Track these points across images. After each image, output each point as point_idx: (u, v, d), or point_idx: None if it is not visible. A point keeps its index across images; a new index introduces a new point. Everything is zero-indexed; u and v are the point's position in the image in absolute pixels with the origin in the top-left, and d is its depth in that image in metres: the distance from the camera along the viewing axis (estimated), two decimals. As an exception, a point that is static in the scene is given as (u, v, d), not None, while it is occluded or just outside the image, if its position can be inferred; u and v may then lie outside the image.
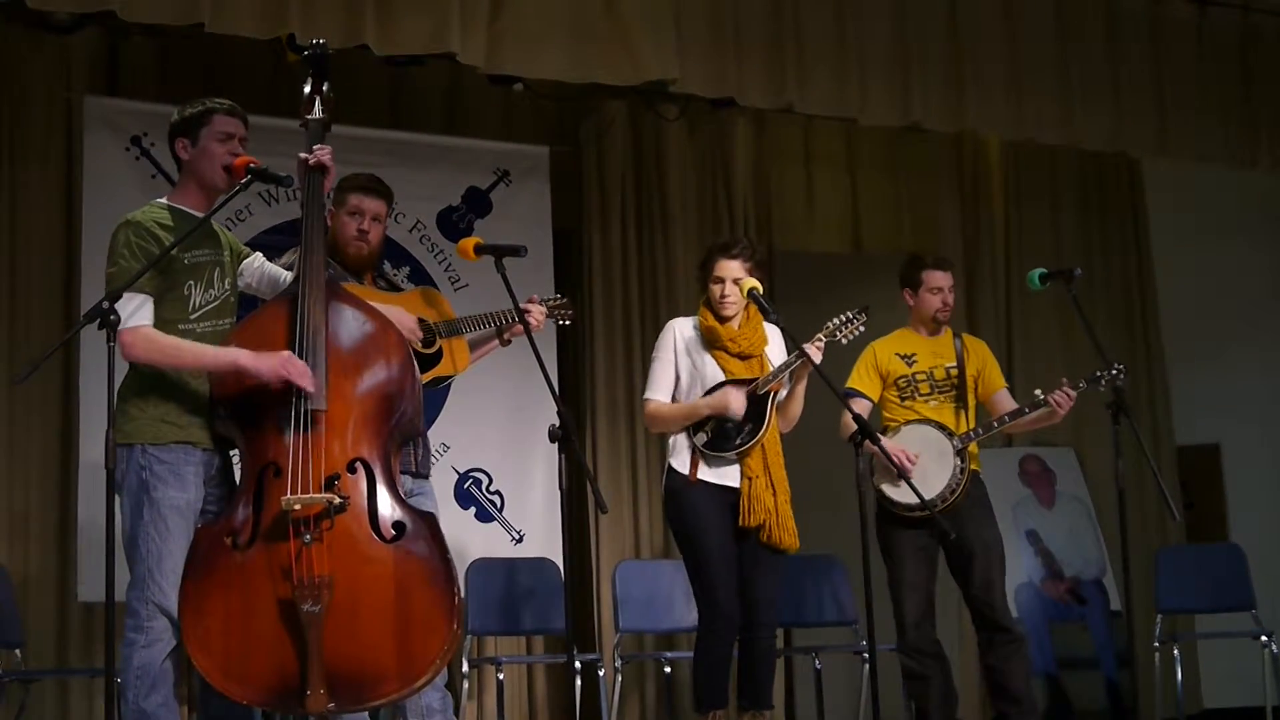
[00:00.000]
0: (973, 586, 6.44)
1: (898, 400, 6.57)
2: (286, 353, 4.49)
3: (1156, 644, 8.23)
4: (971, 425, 6.52)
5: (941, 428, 6.45)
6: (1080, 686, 8.98)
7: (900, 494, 6.33)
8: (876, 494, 6.39)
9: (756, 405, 5.82)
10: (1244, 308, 10.12)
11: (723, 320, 5.90)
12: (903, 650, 6.43)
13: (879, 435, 6.42)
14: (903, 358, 6.58)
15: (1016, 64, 8.31)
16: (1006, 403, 6.59)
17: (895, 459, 6.28)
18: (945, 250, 9.45)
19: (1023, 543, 8.87)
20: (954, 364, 6.58)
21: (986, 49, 8.23)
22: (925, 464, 6.36)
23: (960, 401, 6.54)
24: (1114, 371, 6.21)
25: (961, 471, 6.36)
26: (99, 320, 4.25)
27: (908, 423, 6.50)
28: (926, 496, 6.28)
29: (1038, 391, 6.41)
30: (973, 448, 6.48)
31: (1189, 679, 8.77)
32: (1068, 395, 6.27)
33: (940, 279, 6.59)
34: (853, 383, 6.60)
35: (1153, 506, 9.27)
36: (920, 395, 6.53)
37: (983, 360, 6.69)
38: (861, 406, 6.56)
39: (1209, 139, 8.86)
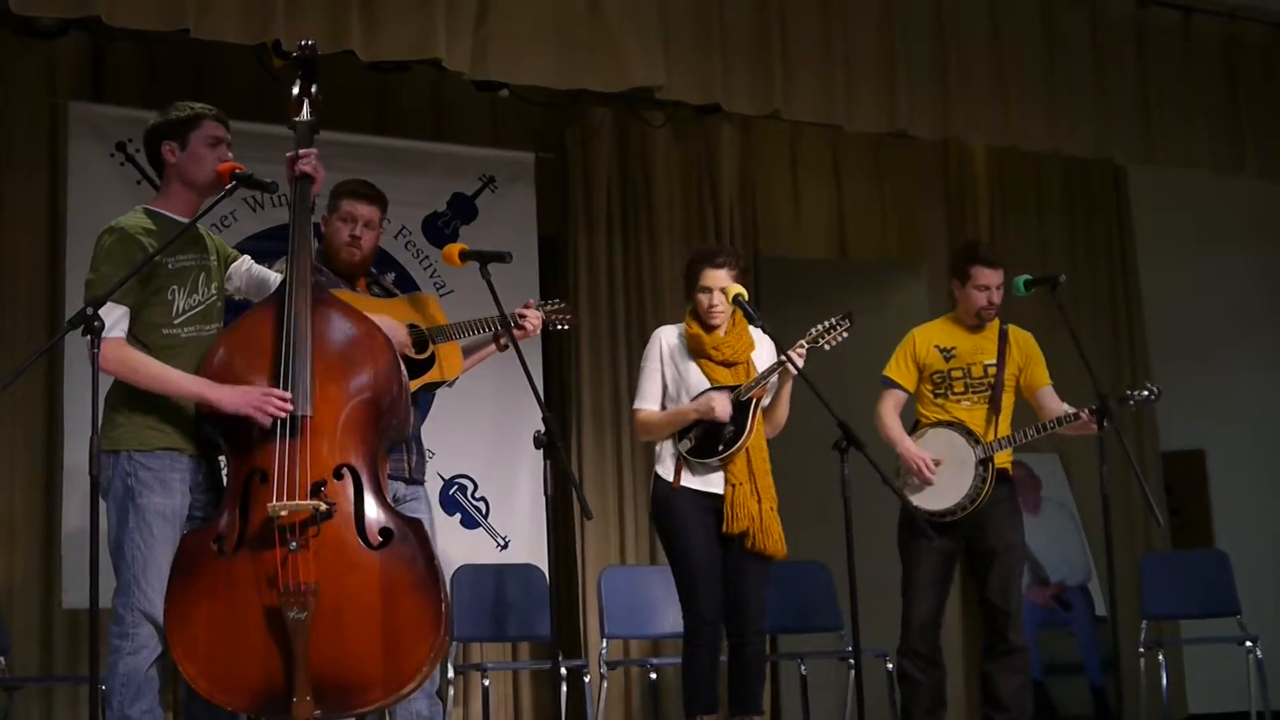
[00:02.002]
0: (989, 590, 6.42)
1: (931, 396, 6.52)
2: (256, 390, 4.47)
3: (1141, 650, 8.23)
4: (1003, 431, 6.43)
5: (968, 433, 6.38)
6: (1065, 692, 9.00)
7: (922, 499, 6.32)
8: (900, 497, 6.35)
9: (739, 412, 5.82)
10: (1229, 313, 10.15)
11: (710, 329, 5.90)
12: (902, 652, 6.44)
13: (905, 435, 6.46)
14: (941, 351, 6.52)
15: (1002, 70, 8.32)
16: (1049, 400, 6.50)
17: (915, 467, 6.28)
18: (930, 257, 9.52)
19: (1008, 549, 8.87)
20: (993, 361, 6.49)
21: (972, 56, 8.24)
22: (946, 471, 6.35)
23: (994, 404, 6.45)
24: (1145, 392, 6.20)
25: (983, 480, 6.32)
26: (83, 327, 4.24)
27: (935, 424, 6.47)
28: (946, 504, 6.32)
29: (1068, 407, 6.36)
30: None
31: (1174, 684, 8.77)
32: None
33: (989, 276, 6.44)
34: (889, 372, 6.57)
35: (1138, 512, 9.29)
36: (953, 394, 6.48)
37: (1026, 357, 6.58)
38: (896, 399, 6.54)
39: (1194, 145, 8.87)
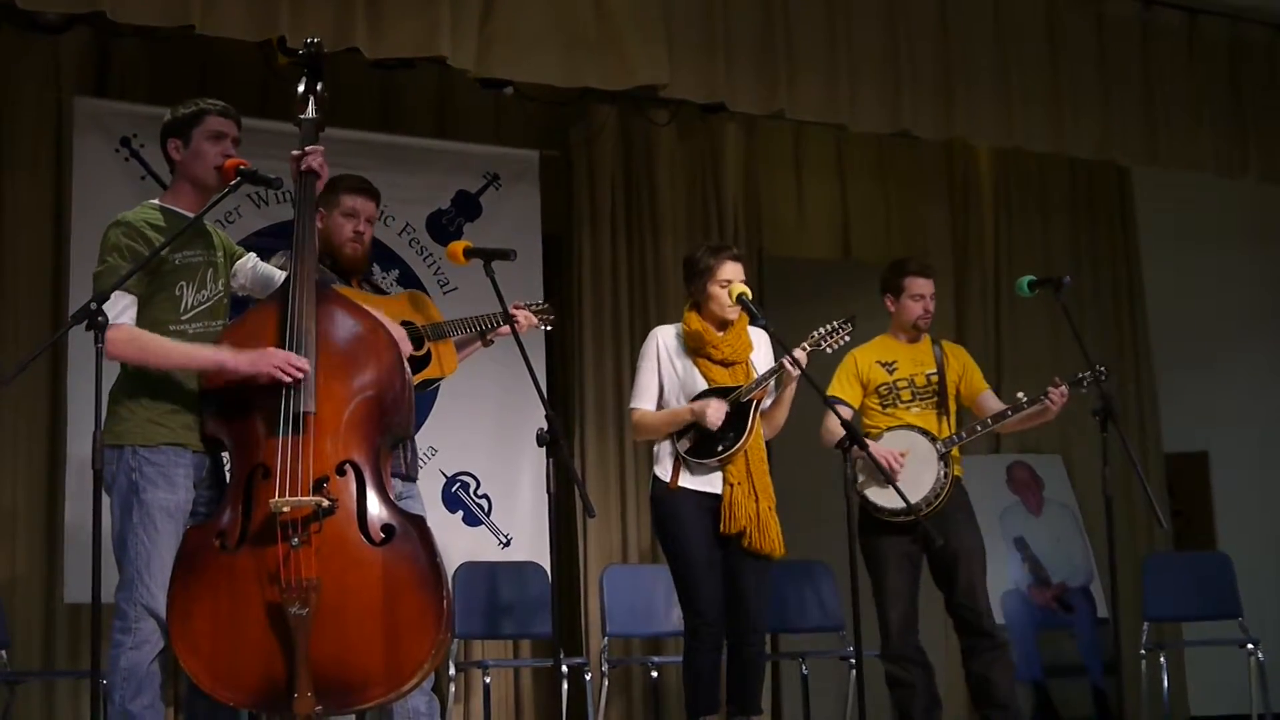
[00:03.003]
0: (956, 593, 6.43)
1: (879, 408, 6.55)
2: (268, 348, 4.48)
3: (1143, 651, 8.24)
4: (954, 430, 6.52)
5: (925, 433, 6.43)
6: (1067, 694, 8.99)
7: (886, 499, 6.31)
8: (860, 499, 6.38)
9: (739, 412, 5.81)
10: (1233, 315, 10.15)
11: (724, 325, 5.90)
12: (886, 657, 6.42)
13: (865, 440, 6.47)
14: (884, 365, 6.56)
15: (1006, 72, 8.32)
16: (992, 404, 6.58)
17: (883, 462, 6.28)
18: (934, 258, 9.50)
19: (1010, 550, 8.87)
20: (934, 370, 6.56)
21: (976, 56, 8.24)
22: (910, 468, 6.35)
23: (942, 407, 6.52)
24: (1096, 372, 6.20)
25: (946, 476, 6.36)
26: (86, 321, 4.25)
27: (890, 428, 6.49)
28: (915, 499, 6.27)
29: (1021, 394, 6.41)
30: (955, 452, 6.47)
31: (1175, 687, 8.78)
32: (1062, 393, 6.26)
33: (922, 285, 6.56)
34: (833, 390, 6.56)
35: (1140, 514, 9.29)
36: (902, 402, 6.52)
37: (963, 365, 6.67)
38: (842, 414, 6.55)
39: (1198, 147, 8.87)
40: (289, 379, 4.44)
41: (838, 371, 6.62)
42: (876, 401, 6.56)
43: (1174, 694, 8.58)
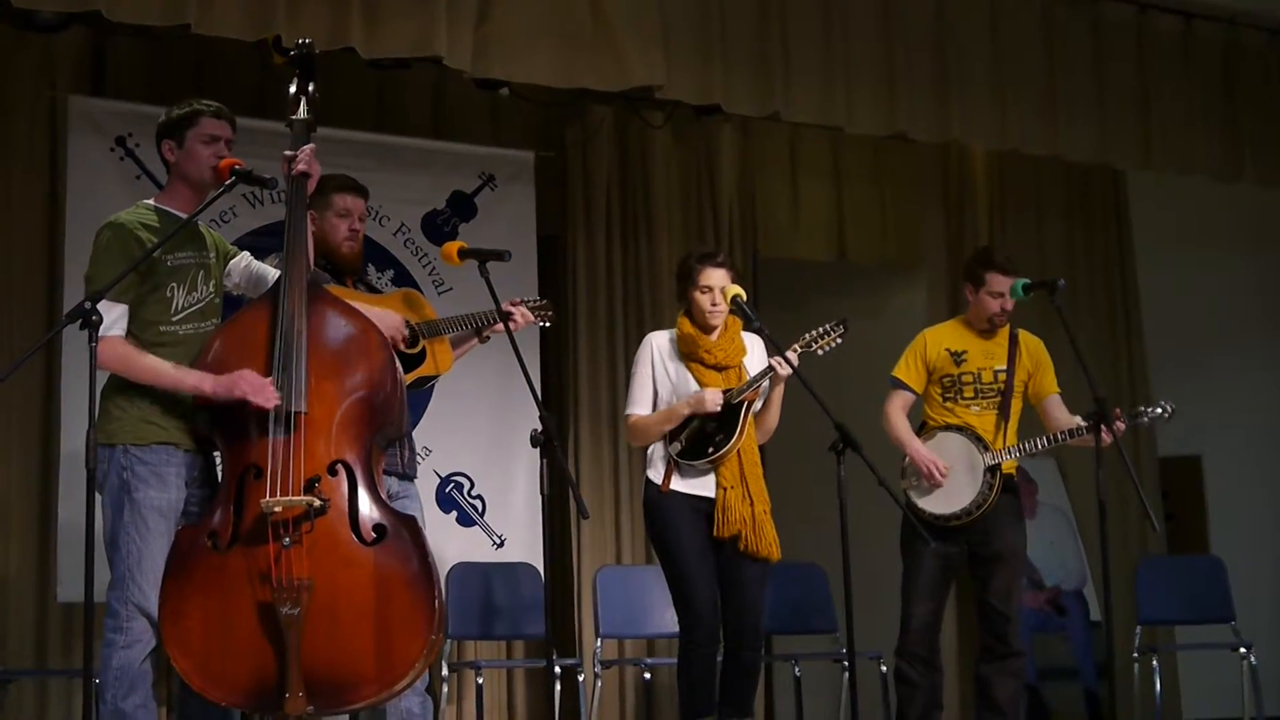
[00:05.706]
0: (991, 593, 6.40)
1: (940, 399, 6.49)
2: (241, 371, 4.49)
3: (1136, 655, 8.23)
4: (1011, 438, 6.40)
5: (977, 439, 6.36)
6: (1060, 697, 9.01)
7: (928, 502, 6.32)
8: (905, 497, 6.34)
9: (730, 414, 5.79)
10: (1227, 319, 10.15)
11: (709, 330, 5.89)
12: (900, 653, 6.42)
13: (914, 437, 6.45)
14: (952, 354, 6.47)
15: (1002, 75, 8.31)
16: (1056, 410, 6.49)
17: (925, 470, 6.27)
18: (929, 260, 9.52)
19: (1003, 552, 8.87)
20: (1004, 367, 6.46)
21: (972, 59, 8.23)
22: (955, 475, 6.33)
23: (1003, 411, 6.43)
24: (1159, 410, 6.21)
25: (990, 488, 6.31)
26: (80, 320, 4.25)
27: (944, 428, 6.45)
28: (953, 509, 6.31)
29: (1079, 419, 6.33)
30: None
31: (1168, 690, 8.78)
32: (1119, 426, 6.04)
33: (1004, 283, 6.39)
34: (898, 373, 6.54)
35: (1134, 518, 9.28)
36: (963, 399, 6.45)
37: (1036, 363, 6.55)
38: (904, 399, 6.51)
39: (1193, 151, 8.87)
40: (268, 402, 4.45)
41: (905, 352, 6.56)
42: (938, 392, 6.49)
43: (1166, 697, 8.59)
